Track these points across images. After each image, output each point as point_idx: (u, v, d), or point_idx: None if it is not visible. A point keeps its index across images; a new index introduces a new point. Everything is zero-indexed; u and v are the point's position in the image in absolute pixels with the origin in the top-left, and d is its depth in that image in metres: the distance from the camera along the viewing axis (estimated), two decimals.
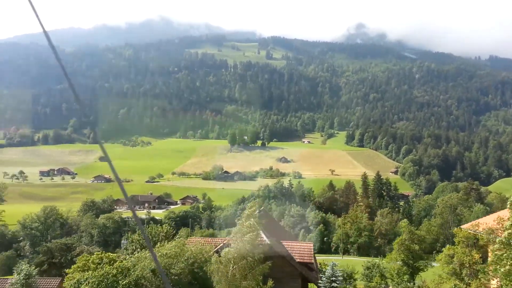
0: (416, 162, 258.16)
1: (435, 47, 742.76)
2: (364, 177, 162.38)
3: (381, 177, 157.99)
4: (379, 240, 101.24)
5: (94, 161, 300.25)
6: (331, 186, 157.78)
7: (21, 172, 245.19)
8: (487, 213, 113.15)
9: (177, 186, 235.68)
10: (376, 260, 58.78)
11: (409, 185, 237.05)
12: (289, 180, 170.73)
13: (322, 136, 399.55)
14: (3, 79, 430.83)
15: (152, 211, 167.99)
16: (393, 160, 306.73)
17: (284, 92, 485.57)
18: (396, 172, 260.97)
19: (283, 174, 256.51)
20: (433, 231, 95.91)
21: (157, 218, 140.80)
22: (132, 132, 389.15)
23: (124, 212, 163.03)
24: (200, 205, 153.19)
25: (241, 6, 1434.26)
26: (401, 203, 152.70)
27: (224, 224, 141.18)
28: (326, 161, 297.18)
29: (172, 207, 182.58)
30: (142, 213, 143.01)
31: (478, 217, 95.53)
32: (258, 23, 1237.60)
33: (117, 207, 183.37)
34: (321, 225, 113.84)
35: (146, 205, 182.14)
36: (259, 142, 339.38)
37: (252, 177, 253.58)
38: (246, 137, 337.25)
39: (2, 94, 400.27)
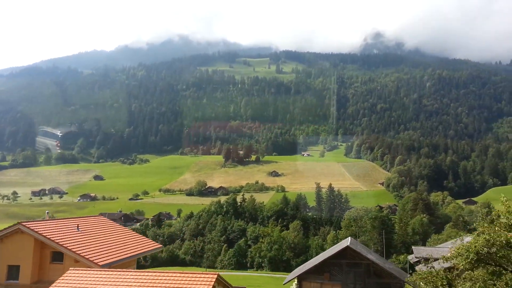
0: (404, 173, 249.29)
1: (453, 54, 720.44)
2: (318, 189, 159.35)
3: (334, 189, 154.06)
4: (287, 253, 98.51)
5: (88, 180, 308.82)
6: (284, 199, 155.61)
7: (14, 193, 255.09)
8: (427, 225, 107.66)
9: (158, 202, 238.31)
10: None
11: (393, 197, 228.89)
12: (247, 196, 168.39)
13: (324, 148, 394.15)
14: (20, 104, 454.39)
15: None
16: (388, 171, 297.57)
17: (290, 106, 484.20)
18: (383, 184, 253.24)
19: (267, 188, 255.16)
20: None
21: None
22: (136, 151, 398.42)
23: None
24: (150, 222, 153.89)
25: (258, 22, 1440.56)
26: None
27: (169, 241, 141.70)
28: (318, 174, 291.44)
29: (138, 224, 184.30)
30: None
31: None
32: (275, 37, 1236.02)
33: None
34: (243, 239, 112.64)
35: None
36: (253, 157, 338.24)
37: (236, 192, 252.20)
38: (241, 152, 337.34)
39: (15, 118, 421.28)
